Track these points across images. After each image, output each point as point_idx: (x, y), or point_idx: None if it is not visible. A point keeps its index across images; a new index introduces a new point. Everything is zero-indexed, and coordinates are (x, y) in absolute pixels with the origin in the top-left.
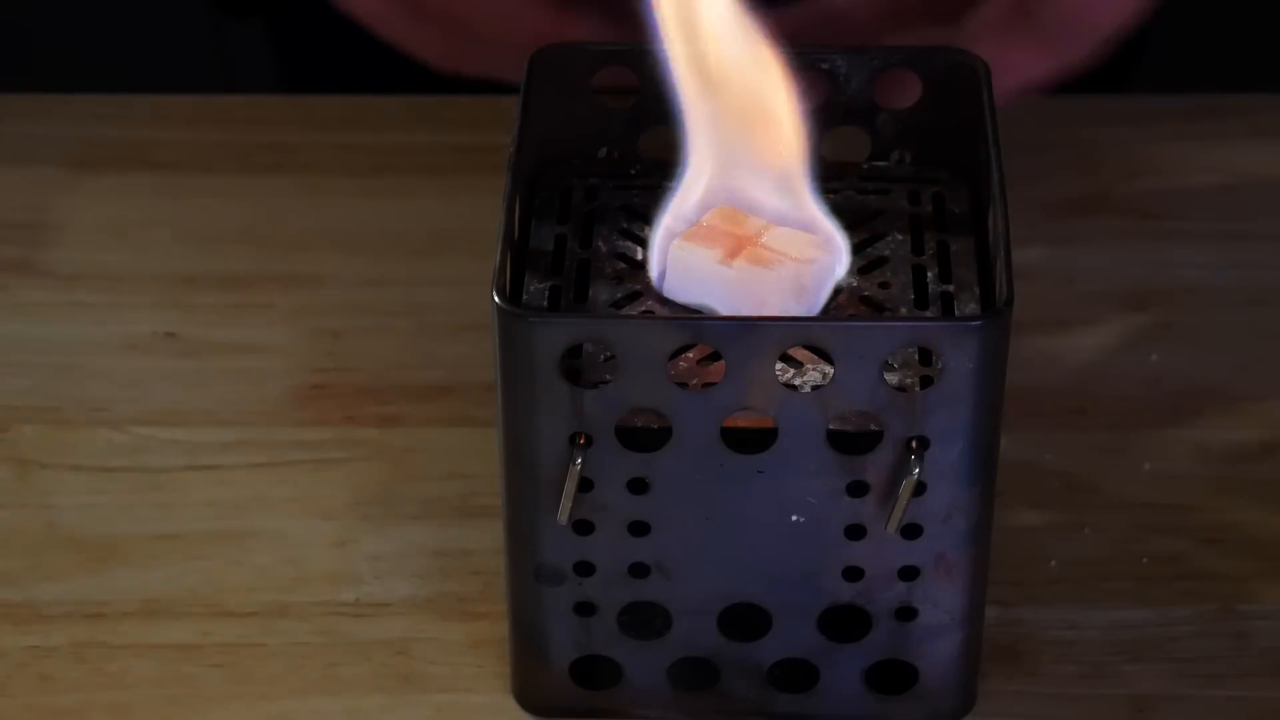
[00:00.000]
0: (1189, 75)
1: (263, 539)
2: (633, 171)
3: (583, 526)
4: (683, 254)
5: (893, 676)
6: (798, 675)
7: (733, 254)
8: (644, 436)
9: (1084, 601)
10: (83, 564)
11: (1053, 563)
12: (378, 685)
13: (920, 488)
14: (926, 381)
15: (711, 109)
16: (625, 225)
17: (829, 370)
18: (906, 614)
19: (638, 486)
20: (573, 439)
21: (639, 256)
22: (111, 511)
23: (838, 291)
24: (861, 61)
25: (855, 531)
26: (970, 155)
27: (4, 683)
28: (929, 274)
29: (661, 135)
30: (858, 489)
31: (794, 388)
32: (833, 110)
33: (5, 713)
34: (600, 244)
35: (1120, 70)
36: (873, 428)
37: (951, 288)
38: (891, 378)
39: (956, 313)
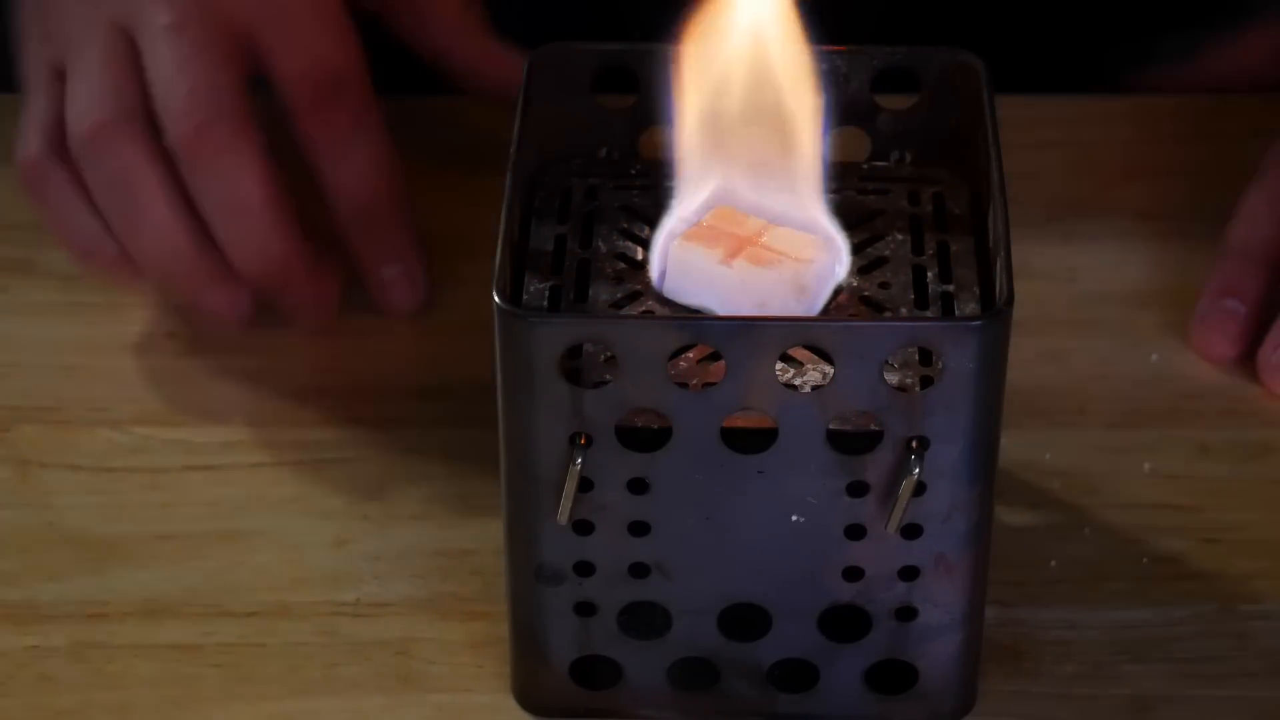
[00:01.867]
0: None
1: (263, 539)
2: (633, 171)
3: (583, 527)
4: (683, 254)
5: (893, 676)
6: (798, 675)
7: (733, 254)
8: (644, 436)
9: (1084, 601)
10: (83, 564)
11: (1053, 563)
12: (378, 685)
13: (920, 488)
14: (926, 381)
15: (716, 108)
16: (625, 225)
17: (829, 370)
18: (906, 614)
19: (638, 486)
20: (573, 439)
21: (639, 256)
22: (111, 511)
23: (838, 291)
24: (861, 61)
25: (855, 531)
26: (970, 155)
27: (4, 683)
28: (929, 274)
29: (661, 135)
30: (858, 489)
31: (794, 388)
32: (833, 111)
33: (5, 713)
34: (600, 244)
35: (1120, 70)
36: (873, 428)
37: (952, 288)
38: (891, 378)
39: (956, 313)
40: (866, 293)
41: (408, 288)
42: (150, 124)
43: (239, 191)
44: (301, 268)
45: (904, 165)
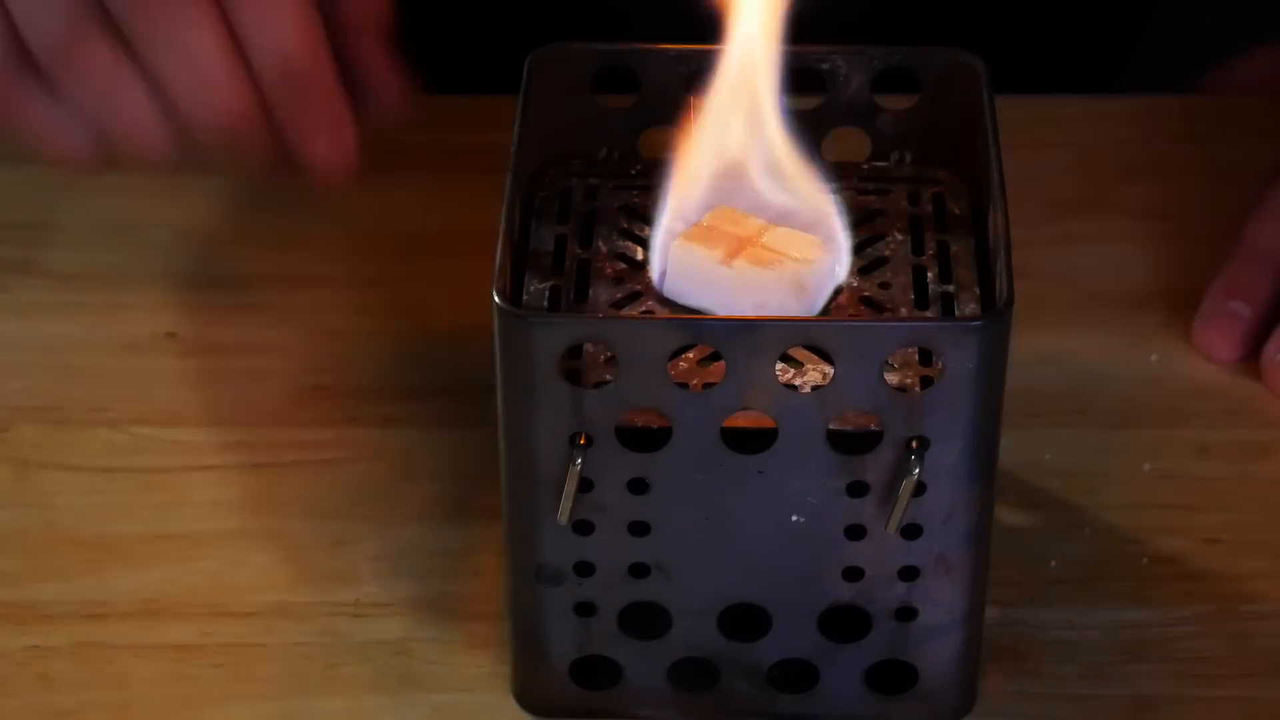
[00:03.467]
0: (1188, 75)
1: (263, 539)
2: (633, 171)
3: (583, 527)
4: (683, 254)
5: (893, 677)
6: (798, 675)
7: (733, 254)
8: (644, 436)
9: (1084, 602)
10: (83, 564)
11: (1053, 563)
12: (378, 685)
13: (920, 488)
14: (926, 381)
15: (716, 108)
16: (625, 225)
17: (829, 370)
18: (906, 614)
19: (638, 487)
20: (573, 439)
21: (639, 257)
22: (111, 511)
23: (838, 292)
24: (861, 61)
25: (855, 531)
26: (970, 155)
27: (4, 683)
28: (929, 274)
29: (661, 135)
30: (858, 489)
31: (794, 388)
32: (833, 111)
33: (5, 713)
34: (600, 244)
35: (1110, 70)
36: (873, 428)
37: (952, 288)
38: (891, 378)
39: (957, 313)
40: (866, 293)
41: (340, 147)
42: None
43: None
44: (327, 72)
45: (904, 165)
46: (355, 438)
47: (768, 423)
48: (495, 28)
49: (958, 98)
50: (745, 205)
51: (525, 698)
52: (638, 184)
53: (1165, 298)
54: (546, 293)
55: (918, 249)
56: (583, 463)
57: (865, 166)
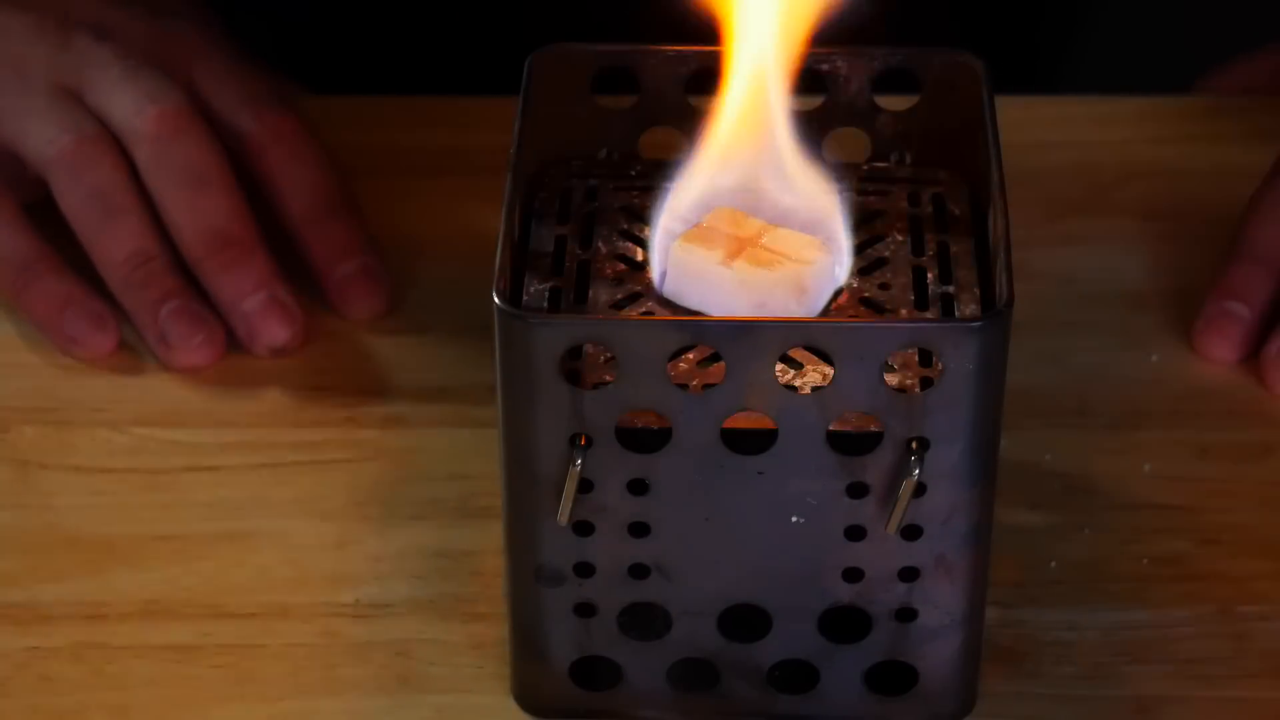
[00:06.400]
0: (1188, 76)
1: (263, 539)
2: (633, 172)
3: (583, 527)
4: (683, 255)
5: (893, 677)
6: (798, 676)
7: (733, 255)
8: (644, 437)
9: (1084, 602)
10: (83, 564)
11: (1053, 563)
12: (378, 686)
13: (920, 488)
14: (927, 382)
15: (720, 112)
16: (625, 226)
17: (829, 371)
18: (906, 615)
19: (637, 487)
20: (573, 440)
21: (639, 257)
22: (111, 512)
23: (838, 293)
24: (861, 62)
25: (855, 532)
26: (970, 156)
27: (4, 683)
28: (929, 275)
29: (661, 136)
30: (858, 490)
31: (794, 389)
32: (833, 111)
33: (6, 713)
34: (600, 245)
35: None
36: (873, 429)
37: (952, 289)
38: (892, 379)
39: (957, 314)
40: (866, 294)
41: (368, 285)
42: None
43: (201, 164)
44: (252, 240)
45: (904, 166)
46: (355, 438)
47: (768, 423)
48: (495, 28)
49: (958, 98)
50: (745, 206)
51: (525, 698)
52: (638, 184)
53: (1165, 298)
54: (546, 293)
55: (918, 250)
56: (583, 463)
57: (865, 167)
